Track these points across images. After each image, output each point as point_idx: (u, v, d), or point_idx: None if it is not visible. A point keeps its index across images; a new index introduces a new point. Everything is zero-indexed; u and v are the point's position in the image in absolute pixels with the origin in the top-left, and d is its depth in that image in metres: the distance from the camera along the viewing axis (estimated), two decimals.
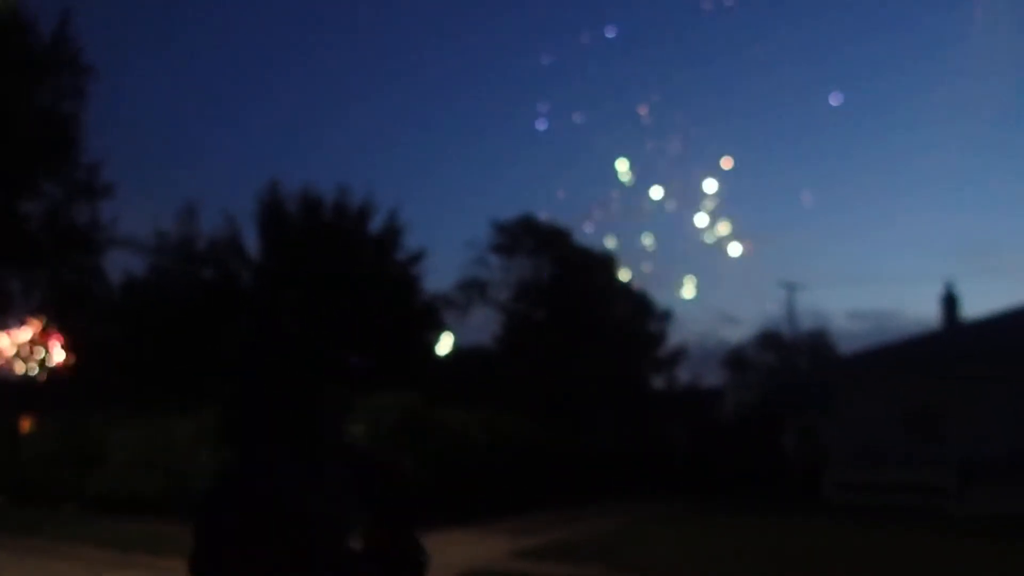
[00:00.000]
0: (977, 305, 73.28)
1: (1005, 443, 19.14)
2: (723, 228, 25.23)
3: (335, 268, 26.06)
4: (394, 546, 2.06)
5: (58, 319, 25.70)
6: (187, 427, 17.75)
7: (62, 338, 25.87)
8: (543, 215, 32.55)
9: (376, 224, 28.37)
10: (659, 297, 35.68)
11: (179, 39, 74.84)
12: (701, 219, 24.17)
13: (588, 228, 32.27)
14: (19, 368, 26.35)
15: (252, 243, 27.88)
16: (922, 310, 62.52)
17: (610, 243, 32.09)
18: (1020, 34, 56.46)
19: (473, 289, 32.39)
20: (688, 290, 34.28)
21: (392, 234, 28.50)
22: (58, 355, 26.12)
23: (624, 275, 32.82)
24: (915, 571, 11.62)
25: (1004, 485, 18.33)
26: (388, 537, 2.05)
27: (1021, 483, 18.14)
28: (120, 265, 46.59)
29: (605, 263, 31.96)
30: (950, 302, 25.94)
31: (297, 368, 2.01)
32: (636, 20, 69.30)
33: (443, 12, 73.39)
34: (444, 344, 30.29)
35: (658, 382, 37.11)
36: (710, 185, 23.12)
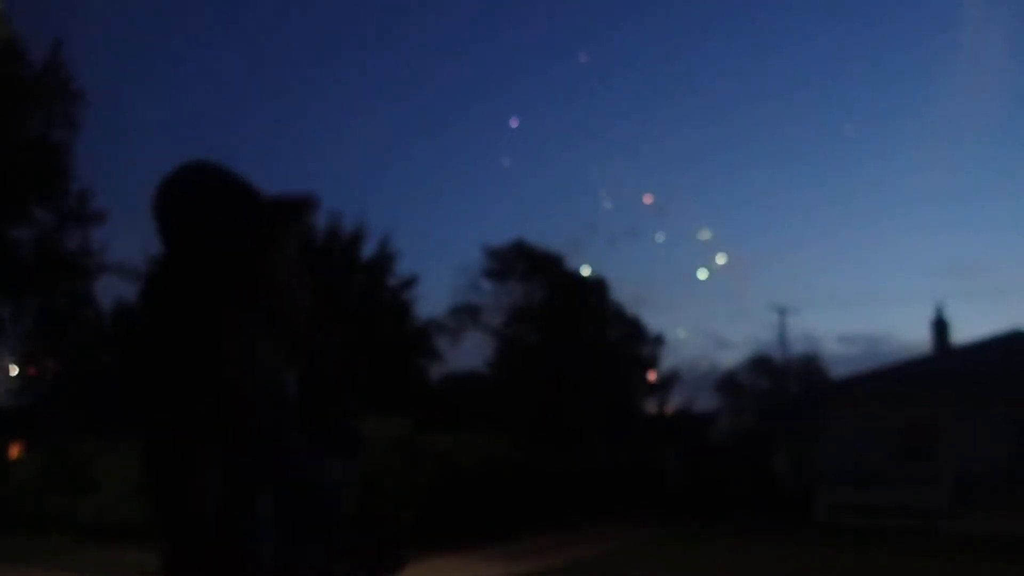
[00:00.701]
0: (967, 326, 73.69)
1: (997, 464, 19.20)
2: (705, 234, 25.36)
3: (327, 293, 26.06)
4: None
5: (48, 345, 25.63)
6: None
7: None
8: (535, 240, 32.60)
9: (368, 250, 28.45)
10: (652, 321, 35.79)
11: (171, 65, 75.09)
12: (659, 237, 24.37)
13: (579, 255, 32.32)
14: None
15: None
16: (913, 334, 62.91)
17: (600, 269, 32.19)
18: (1008, 55, 57.21)
19: (465, 314, 32.40)
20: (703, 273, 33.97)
21: (384, 260, 28.56)
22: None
23: (617, 299, 32.91)
24: None
25: (996, 505, 18.37)
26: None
27: (1013, 503, 18.19)
28: (111, 291, 46.50)
29: (597, 287, 32.05)
30: (940, 326, 26.06)
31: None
32: (630, 42, 70.00)
33: (435, 36, 74.03)
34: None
35: (651, 406, 37.11)
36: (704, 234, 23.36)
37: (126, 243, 55.86)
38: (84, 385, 25.72)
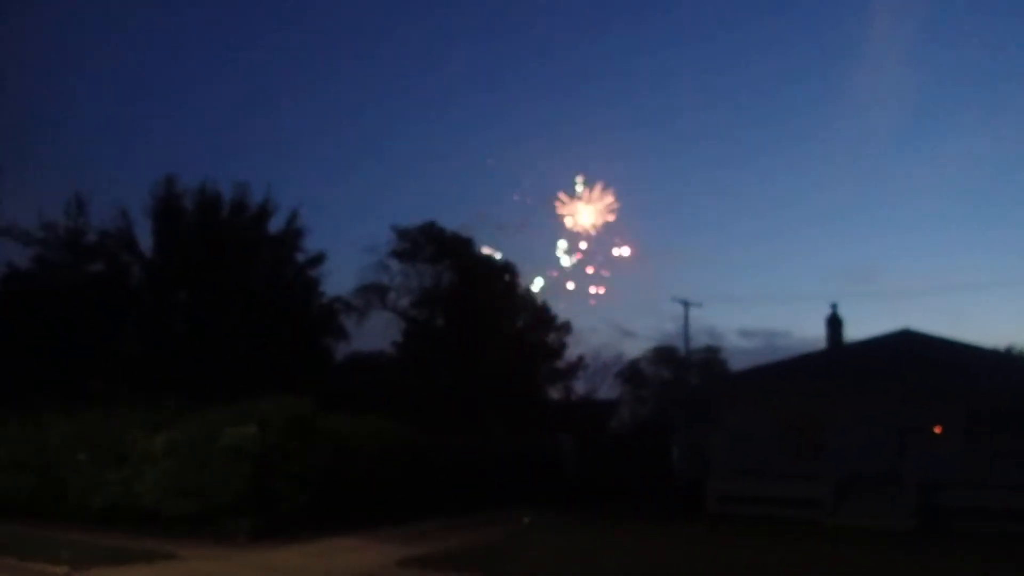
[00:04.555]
0: (860, 326, 76.41)
1: (878, 459, 20.09)
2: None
3: (231, 267, 25.47)
4: None
5: None
6: (65, 428, 17.09)
7: None
8: (446, 223, 32.48)
9: (276, 224, 27.85)
10: (559, 309, 36.05)
11: (76, 25, 72.03)
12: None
13: (488, 240, 32.34)
14: None
15: (146, 239, 26.94)
16: (811, 331, 64.90)
17: (509, 256, 32.21)
18: (906, 68, 59.53)
19: (372, 293, 32.09)
20: (537, 284, 34.17)
21: (292, 235, 27.96)
22: None
23: (527, 285, 33.02)
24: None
25: (875, 499, 19.25)
26: None
27: (891, 497, 19.09)
28: (1, 256, 44.39)
29: (506, 273, 32.16)
30: (834, 323, 26.91)
31: None
32: (547, 29, 70.17)
33: (352, 17, 72.77)
34: None
35: (556, 392, 37.48)
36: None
37: (20, 206, 53.50)
38: None
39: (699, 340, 52.65)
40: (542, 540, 15.40)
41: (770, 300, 75.65)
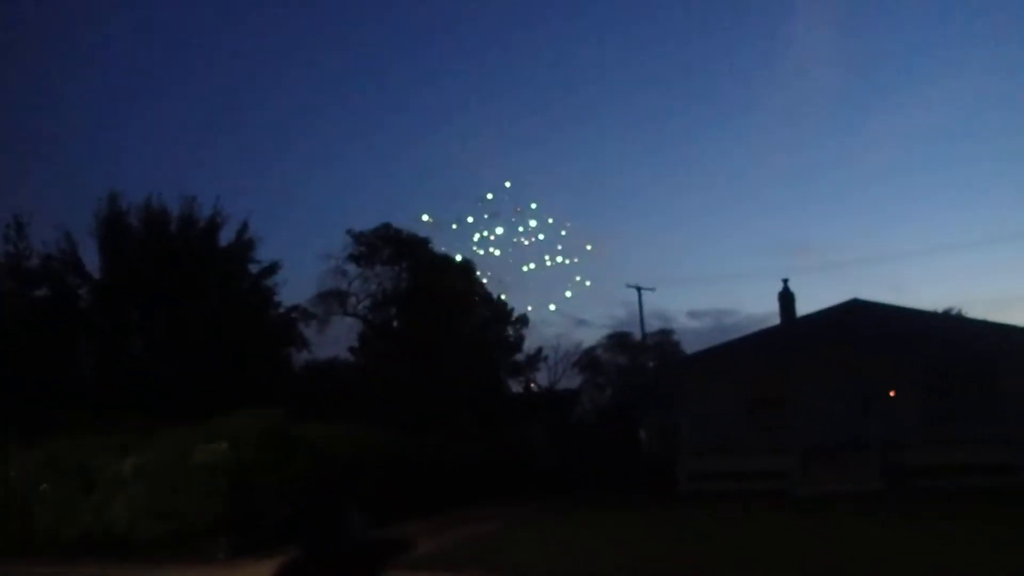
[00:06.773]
0: (807, 300, 77.93)
1: (841, 427, 20.57)
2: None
3: (182, 283, 25.02)
4: None
5: None
6: (28, 458, 16.67)
7: None
8: (402, 225, 32.20)
9: (227, 237, 27.44)
10: (514, 302, 36.05)
11: (6, 41, 69.76)
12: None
13: (441, 238, 32.20)
14: None
15: (92, 260, 26.34)
16: (757, 307, 65.76)
17: (462, 251, 31.98)
18: (845, 41, 60.60)
19: (332, 300, 31.74)
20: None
21: (243, 246, 27.56)
22: None
23: (482, 281, 32.93)
24: (769, 547, 12.38)
25: (841, 464, 19.73)
26: None
27: (856, 461, 19.58)
28: None
29: (463, 270, 32.00)
30: (787, 298, 27.44)
31: None
32: (487, 24, 70.17)
33: (299, 22, 71.79)
34: None
35: (517, 385, 37.51)
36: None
37: None
38: None
39: (650, 324, 53.03)
40: (527, 534, 15.45)
41: (715, 280, 76.79)
